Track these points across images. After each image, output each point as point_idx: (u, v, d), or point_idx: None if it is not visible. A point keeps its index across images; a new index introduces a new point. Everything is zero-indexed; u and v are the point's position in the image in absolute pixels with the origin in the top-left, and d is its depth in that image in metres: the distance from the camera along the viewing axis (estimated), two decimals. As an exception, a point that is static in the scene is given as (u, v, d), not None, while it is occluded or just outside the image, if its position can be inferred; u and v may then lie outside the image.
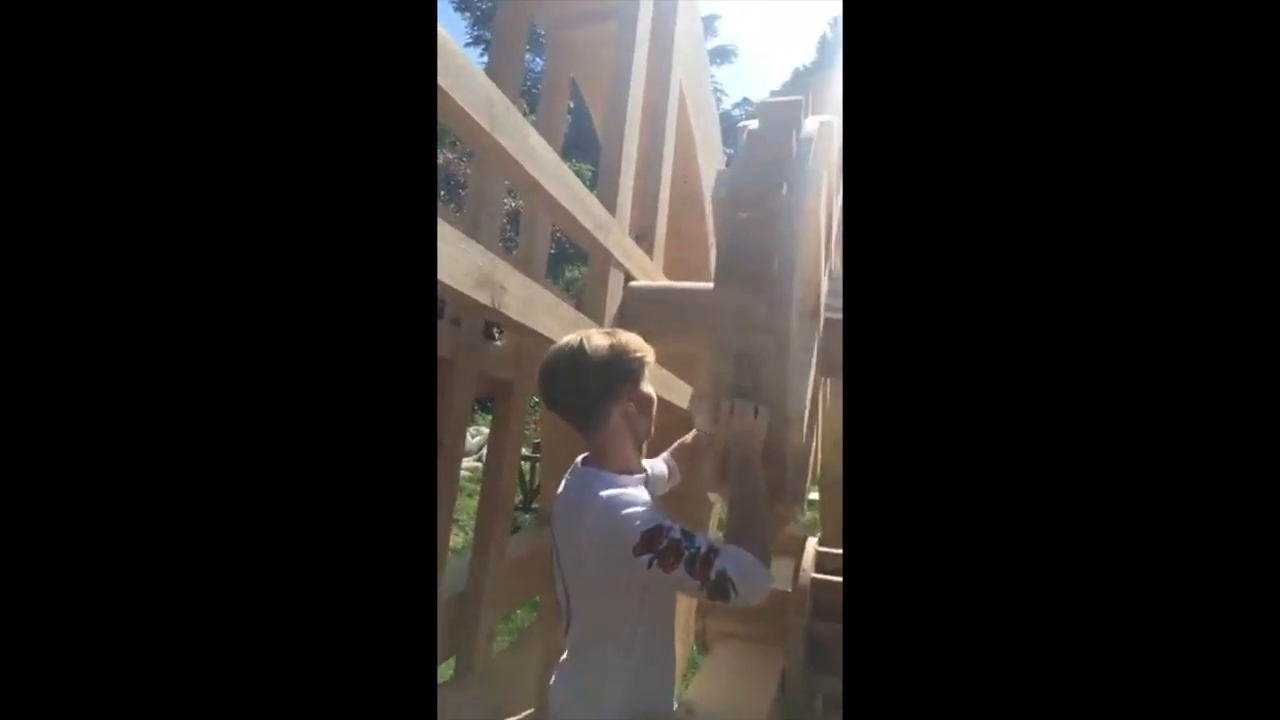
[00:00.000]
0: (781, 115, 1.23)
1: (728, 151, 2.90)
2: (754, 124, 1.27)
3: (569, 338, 1.13)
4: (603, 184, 1.75)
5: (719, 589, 0.96)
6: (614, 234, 1.64)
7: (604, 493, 1.03)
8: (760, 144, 1.21)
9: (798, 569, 1.73)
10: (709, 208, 2.71)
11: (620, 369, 1.11)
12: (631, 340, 1.13)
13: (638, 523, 0.98)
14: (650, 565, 0.96)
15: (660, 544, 0.96)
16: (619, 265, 1.70)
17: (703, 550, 0.97)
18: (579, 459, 1.19)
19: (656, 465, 1.47)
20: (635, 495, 1.02)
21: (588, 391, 1.10)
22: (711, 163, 2.74)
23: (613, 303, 1.69)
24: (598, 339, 1.11)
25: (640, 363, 1.13)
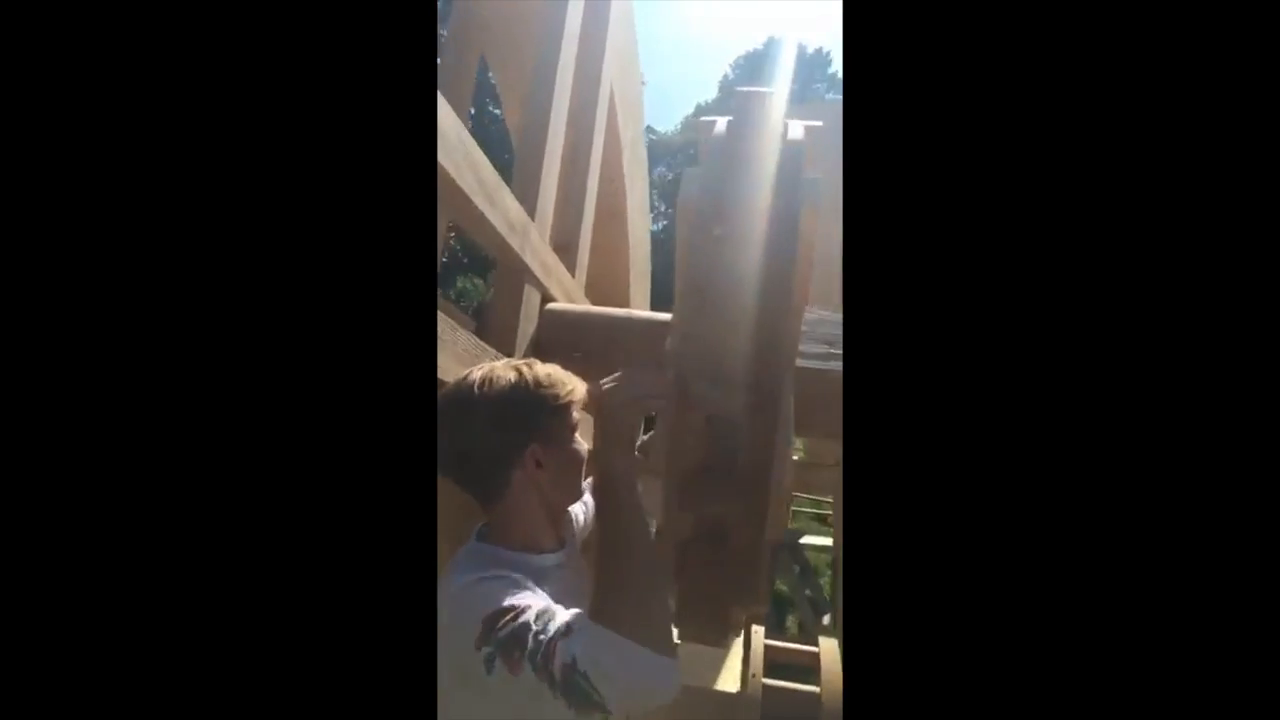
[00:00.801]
0: (767, 108, 0.96)
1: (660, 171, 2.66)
2: (724, 121, 0.99)
3: (468, 373, 0.79)
4: (519, 181, 1.39)
5: (571, 689, 0.60)
6: (531, 240, 1.29)
7: (470, 576, 0.71)
8: (741, 140, 0.93)
9: (746, 667, 1.39)
10: (630, 220, 2.45)
11: (524, 417, 0.77)
12: (545, 376, 0.79)
13: (485, 605, 0.66)
14: (492, 667, 0.62)
15: (501, 630, 0.63)
16: (535, 281, 1.35)
17: (550, 633, 0.62)
18: (475, 530, 0.84)
19: (574, 510, 1.13)
20: (508, 576, 0.70)
21: (475, 452, 0.77)
22: (637, 175, 2.48)
23: (526, 329, 1.33)
24: (501, 375, 0.78)
25: (557, 409, 0.80)
